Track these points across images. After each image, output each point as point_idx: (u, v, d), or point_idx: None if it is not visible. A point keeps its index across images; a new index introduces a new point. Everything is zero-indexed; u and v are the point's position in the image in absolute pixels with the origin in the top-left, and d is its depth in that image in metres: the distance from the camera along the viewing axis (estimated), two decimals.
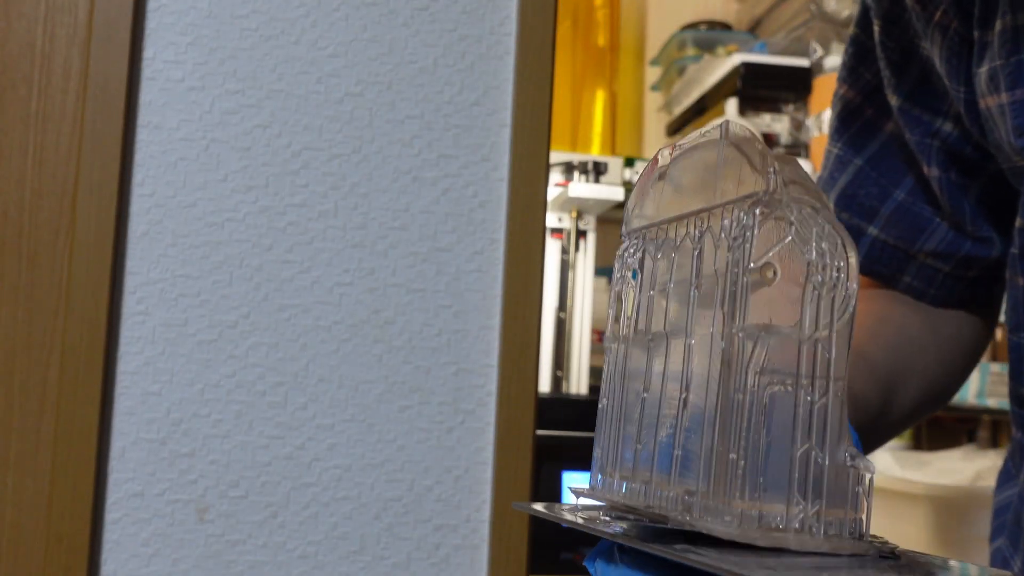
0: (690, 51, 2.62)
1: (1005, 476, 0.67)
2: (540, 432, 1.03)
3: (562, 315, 2.09)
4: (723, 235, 0.38)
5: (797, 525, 0.36)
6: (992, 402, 2.18)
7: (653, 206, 0.44)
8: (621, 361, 0.44)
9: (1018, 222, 0.62)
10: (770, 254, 0.37)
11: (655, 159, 0.44)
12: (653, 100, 2.89)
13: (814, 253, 0.37)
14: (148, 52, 0.99)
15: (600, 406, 0.45)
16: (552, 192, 2.03)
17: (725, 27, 2.71)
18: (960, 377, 0.72)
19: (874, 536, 0.38)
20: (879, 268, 0.70)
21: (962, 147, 0.65)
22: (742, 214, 0.38)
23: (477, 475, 1.00)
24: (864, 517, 0.37)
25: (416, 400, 1.00)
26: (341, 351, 0.99)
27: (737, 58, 2.36)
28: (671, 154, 0.43)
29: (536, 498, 1.03)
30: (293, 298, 0.99)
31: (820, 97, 2.32)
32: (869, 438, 0.62)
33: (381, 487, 0.99)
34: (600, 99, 2.85)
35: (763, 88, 2.36)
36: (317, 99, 1.00)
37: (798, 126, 2.37)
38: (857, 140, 0.70)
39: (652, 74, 2.88)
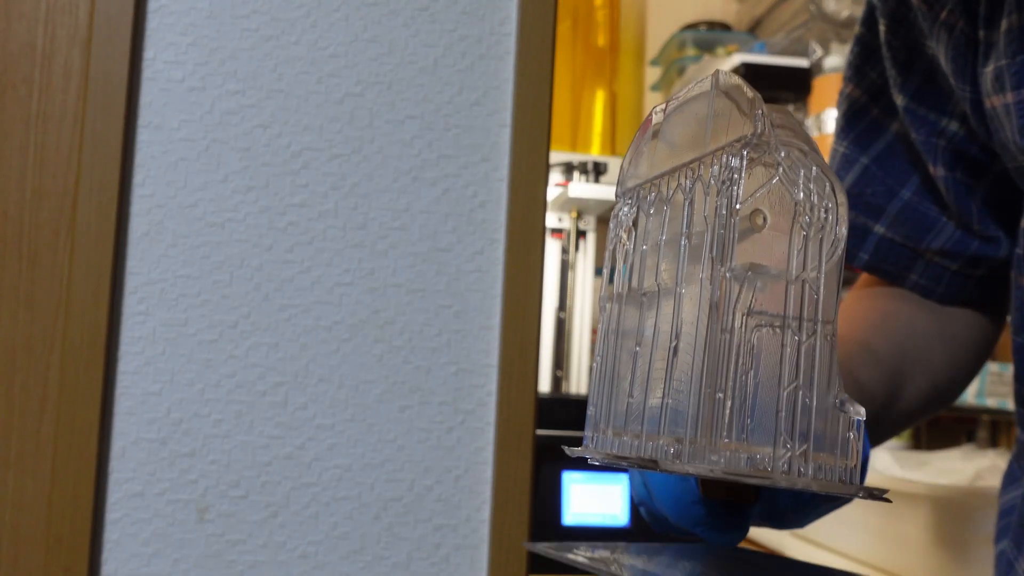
0: (690, 51, 2.62)
1: (1010, 478, 0.67)
2: (540, 432, 1.03)
3: (562, 315, 2.09)
4: (712, 181, 0.38)
5: (784, 467, 0.36)
6: (991, 402, 2.18)
7: (647, 164, 0.44)
8: (615, 320, 0.44)
9: (1023, 223, 0.62)
10: (757, 194, 0.37)
11: (648, 118, 0.44)
12: (653, 100, 2.89)
13: (802, 194, 0.37)
14: (148, 52, 0.98)
15: (594, 364, 0.45)
16: (552, 192, 2.03)
17: (725, 27, 2.71)
18: (967, 375, 0.72)
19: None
20: (886, 266, 0.70)
21: (968, 147, 0.65)
22: (730, 157, 0.37)
23: (477, 475, 1.00)
24: (855, 465, 0.37)
25: (416, 400, 1.00)
26: (341, 351, 0.99)
27: (737, 58, 2.36)
28: (664, 111, 0.43)
29: (536, 497, 1.03)
30: (293, 298, 0.98)
31: (820, 97, 2.31)
32: (874, 431, 0.62)
33: (381, 487, 0.99)
34: (600, 99, 2.84)
35: (763, 88, 2.34)
36: (317, 99, 1.00)
37: None
38: (863, 139, 0.70)
39: (652, 74, 2.88)
